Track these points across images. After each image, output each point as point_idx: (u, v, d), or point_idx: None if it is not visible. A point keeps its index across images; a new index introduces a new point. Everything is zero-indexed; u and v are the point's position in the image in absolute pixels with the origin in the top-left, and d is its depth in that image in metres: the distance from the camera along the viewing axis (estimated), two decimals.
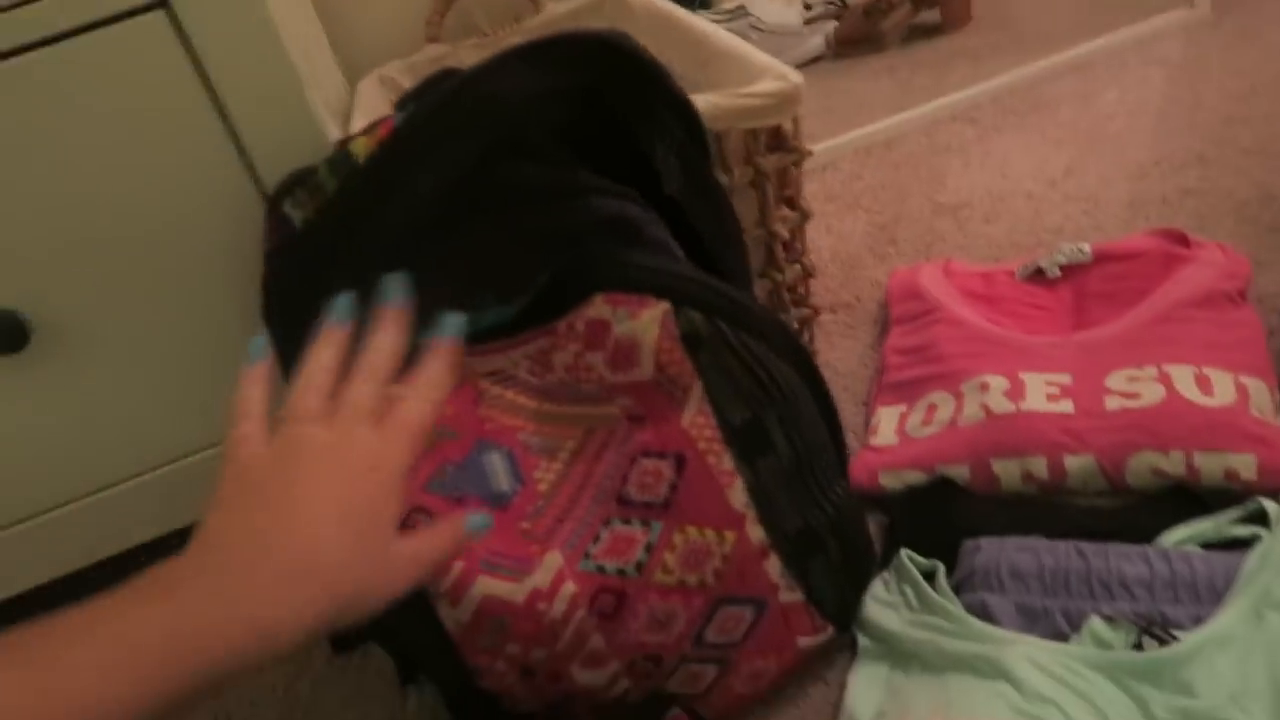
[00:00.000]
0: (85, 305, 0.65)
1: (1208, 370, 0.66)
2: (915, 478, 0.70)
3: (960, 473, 0.68)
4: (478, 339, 0.53)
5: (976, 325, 0.78)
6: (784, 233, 0.79)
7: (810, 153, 0.77)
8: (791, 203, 0.80)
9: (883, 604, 0.61)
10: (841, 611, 0.61)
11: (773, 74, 0.73)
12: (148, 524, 0.75)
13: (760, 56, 0.76)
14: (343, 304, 0.43)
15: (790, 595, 0.57)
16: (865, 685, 0.58)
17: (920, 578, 0.61)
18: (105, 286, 0.64)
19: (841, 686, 0.60)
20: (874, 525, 0.70)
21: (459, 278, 0.51)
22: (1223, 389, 0.65)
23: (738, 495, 0.54)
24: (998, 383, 0.71)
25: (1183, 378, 0.66)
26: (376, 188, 0.52)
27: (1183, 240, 0.80)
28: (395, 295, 0.43)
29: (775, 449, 0.55)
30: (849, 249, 1.03)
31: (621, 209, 0.55)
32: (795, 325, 0.84)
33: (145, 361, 0.68)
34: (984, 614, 0.57)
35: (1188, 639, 0.50)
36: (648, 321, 0.53)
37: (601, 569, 0.53)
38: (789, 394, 0.55)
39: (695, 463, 0.54)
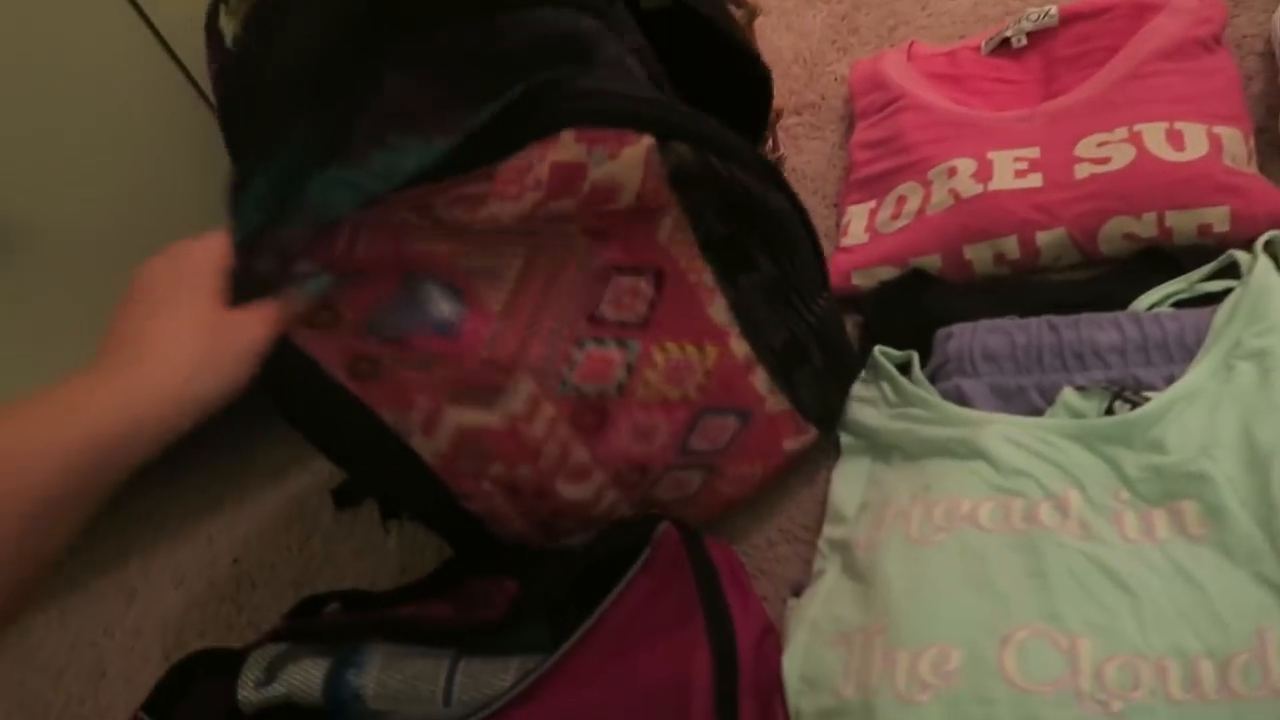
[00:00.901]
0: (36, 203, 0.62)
1: (1180, 124, 0.64)
2: (888, 273, 0.69)
3: (932, 263, 0.67)
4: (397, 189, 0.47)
5: (942, 108, 0.75)
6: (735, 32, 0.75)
7: None
8: (738, 1, 0.75)
9: (862, 401, 0.62)
10: (826, 413, 0.62)
11: None
12: None
13: None
14: None
15: (777, 404, 0.57)
16: (849, 480, 0.59)
17: (895, 371, 0.61)
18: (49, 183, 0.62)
19: (828, 484, 0.61)
20: (851, 325, 0.70)
21: (374, 111, 0.45)
22: (1195, 142, 0.62)
23: (719, 311, 0.53)
24: (965, 165, 0.69)
25: (1154, 136, 0.64)
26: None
27: None
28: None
29: (757, 266, 0.54)
30: (810, 45, 0.98)
31: (574, 22, 0.47)
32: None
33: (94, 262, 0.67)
34: (959, 398, 0.57)
35: (1157, 398, 0.51)
36: (629, 161, 0.47)
37: (580, 392, 0.53)
38: (776, 218, 0.53)
39: (674, 278, 0.51)
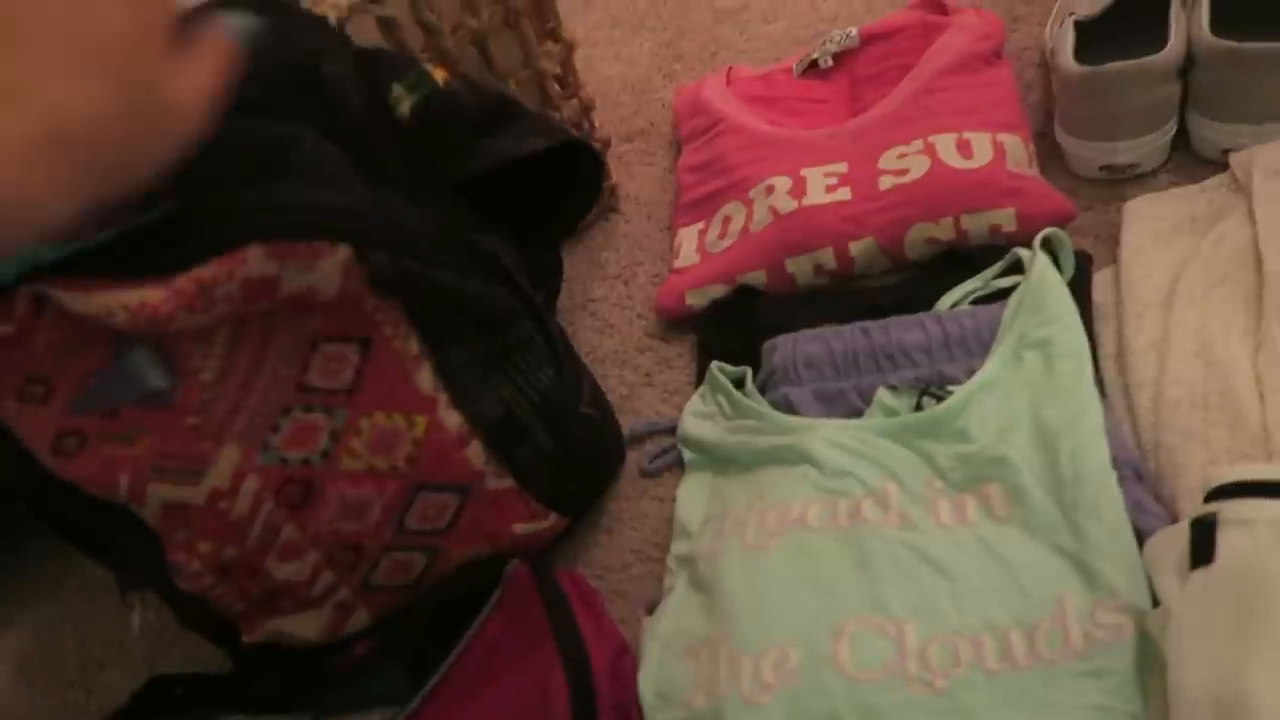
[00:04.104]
0: None
1: (968, 134, 0.69)
2: (718, 291, 0.71)
3: (758, 278, 0.70)
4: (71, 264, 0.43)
5: (759, 130, 0.79)
6: (552, 67, 0.77)
7: None
8: (554, 35, 0.77)
9: (700, 416, 0.64)
10: (563, 500, 0.61)
11: None
12: None
13: None
14: None
15: (498, 482, 0.57)
16: (692, 494, 0.61)
17: (730, 385, 0.63)
18: None
19: (674, 501, 0.63)
20: (686, 344, 0.72)
21: None
22: (981, 150, 0.67)
23: (425, 379, 0.52)
24: (781, 183, 0.72)
25: (945, 146, 0.68)
26: None
27: (940, 8, 0.81)
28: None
29: (468, 339, 0.54)
30: (638, 73, 1.01)
31: (259, 129, 0.46)
32: None
33: None
34: (788, 407, 0.60)
35: (959, 391, 0.55)
36: (327, 271, 0.46)
37: (285, 460, 0.51)
38: (489, 309, 0.55)
39: (380, 345, 0.51)
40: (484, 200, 0.61)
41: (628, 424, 0.68)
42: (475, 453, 0.55)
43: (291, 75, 0.50)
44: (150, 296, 0.43)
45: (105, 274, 0.43)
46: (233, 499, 0.50)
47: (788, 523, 0.53)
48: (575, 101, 0.79)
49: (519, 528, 0.59)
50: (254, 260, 0.44)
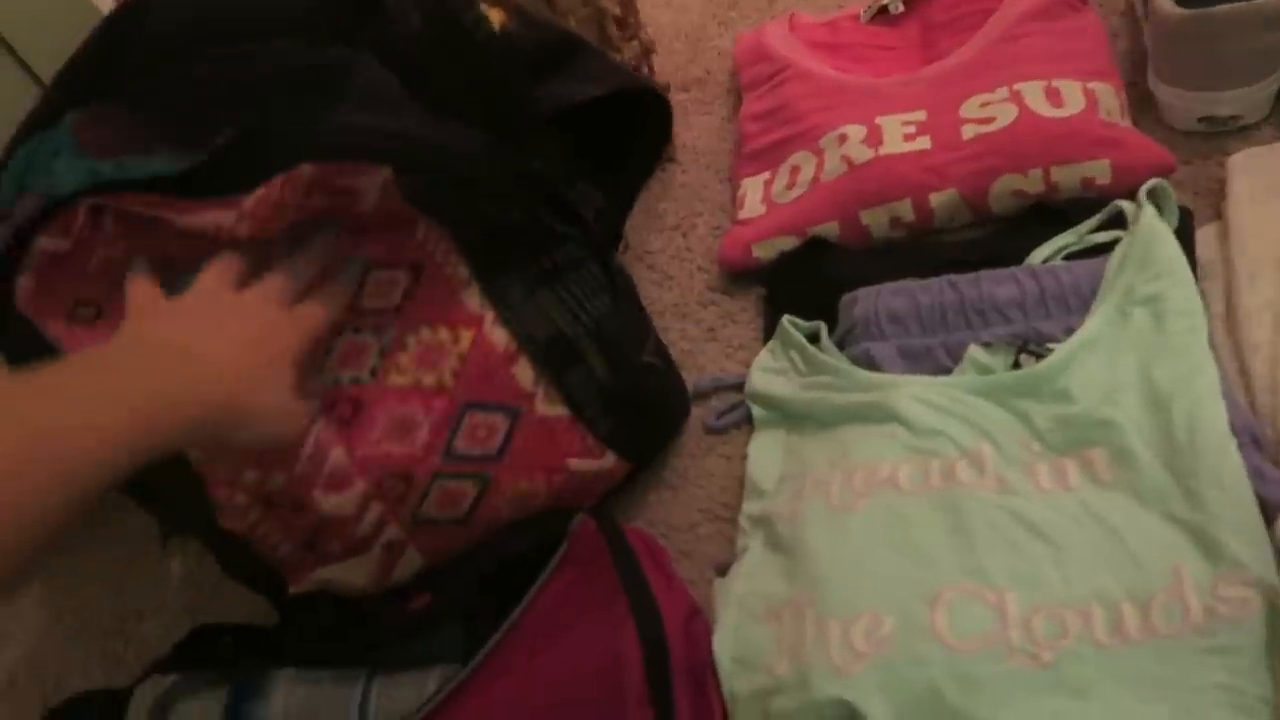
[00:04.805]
0: None
1: (1057, 82, 0.65)
2: (787, 243, 0.68)
3: (830, 230, 0.67)
4: (134, 185, 0.47)
5: (827, 77, 0.75)
6: (613, 7, 0.73)
7: None
8: None
9: (771, 372, 0.61)
10: (622, 442, 0.58)
11: None
12: None
13: None
14: None
15: (550, 408, 0.55)
16: (765, 452, 0.58)
17: (804, 340, 0.60)
18: None
19: (744, 459, 0.60)
20: (752, 299, 0.69)
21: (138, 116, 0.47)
22: (1072, 98, 0.64)
23: (473, 297, 0.53)
24: (855, 131, 0.69)
25: (1033, 94, 0.65)
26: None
27: None
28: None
29: (513, 260, 0.54)
30: (690, 20, 0.97)
31: (319, 54, 0.49)
32: None
33: None
34: (869, 363, 0.57)
35: (1059, 350, 0.51)
36: (367, 187, 0.49)
37: (337, 380, 0.52)
38: (535, 231, 0.54)
39: (431, 271, 0.52)
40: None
41: (691, 380, 0.65)
42: (524, 371, 0.54)
43: None
44: (222, 219, 0.43)
45: (173, 197, 0.46)
46: None
47: (876, 483, 0.50)
48: (636, 44, 0.76)
49: (574, 463, 0.56)
50: (306, 178, 0.47)
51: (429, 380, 0.52)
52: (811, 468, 0.53)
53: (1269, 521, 0.44)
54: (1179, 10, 0.61)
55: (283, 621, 0.60)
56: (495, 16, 0.57)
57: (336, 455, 0.51)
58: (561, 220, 0.56)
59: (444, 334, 0.53)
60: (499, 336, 0.53)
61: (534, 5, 0.69)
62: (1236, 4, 0.59)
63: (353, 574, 0.56)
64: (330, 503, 0.52)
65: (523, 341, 0.54)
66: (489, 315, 0.53)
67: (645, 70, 0.78)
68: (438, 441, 0.53)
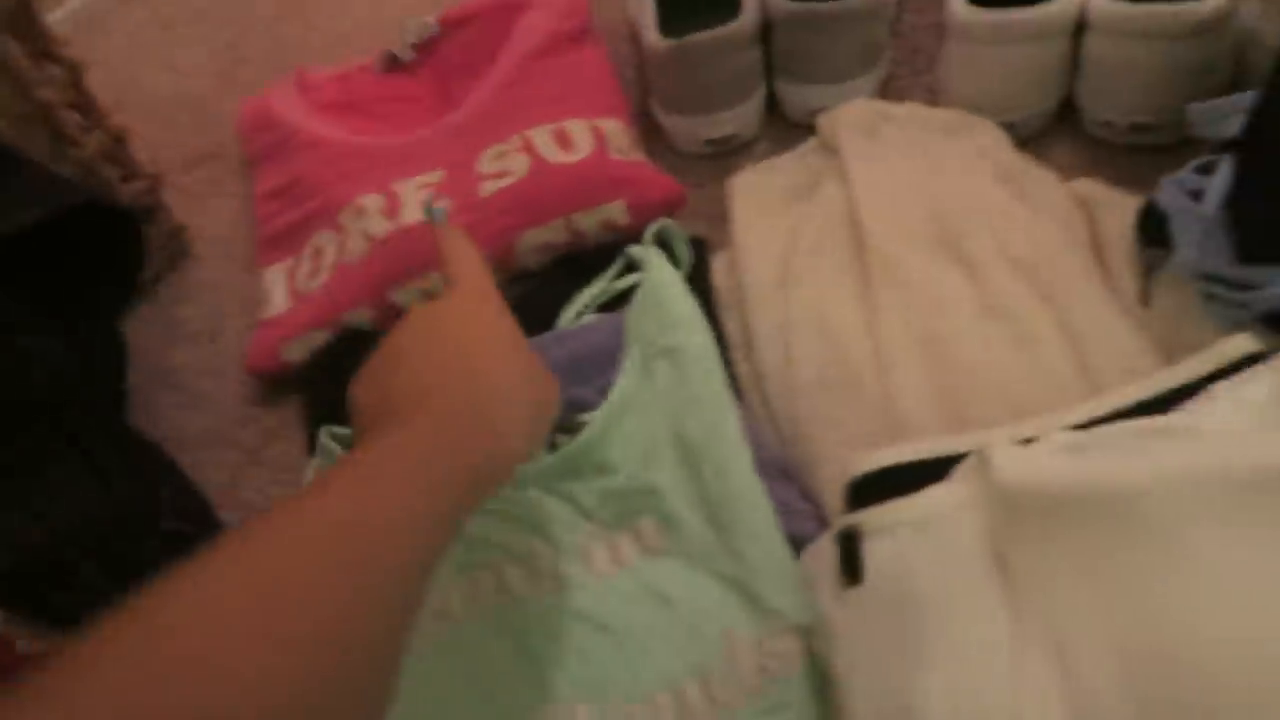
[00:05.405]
0: None
1: (566, 123, 0.63)
2: (319, 338, 0.61)
3: (362, 317, 0.60)
4: None
5: (339, 141, 0.68)
6: (60, 96, 0.61)
7: None
8: (51, 55, 0.61)
9: None
10: None
11: None
12: None
13: None
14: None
15: (36, 644, 0.44)
16: None
17: (343, 453, 0.53)
18: None
19: None
20: (294, 408, 0.61)
21: None
22: (581, 140, 0.62)
23: None
24: (373, 202, 0.63)
25: (543, 140, 0.62)
26: None
27: None
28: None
29: None
30: (195, 86, 0.86)
31: None
32: (142, 203, 0.68)
33: None
34: None
35: (594, 421, 0.49)
36: None
37: None
38: None
39: None
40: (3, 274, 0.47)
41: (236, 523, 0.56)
42: None
43: None
44: None
45: None
46: None
47: (430, 616, 0.45)
48: (99, 134, 0.64)
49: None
50: None
51: None
52: None
53: (799, 555, 0.44)
54: (664, 41, 0.62)
55: None
56: None
57: None
58: (7, 395, 0.45)
59: None
60: None
61: None
62: (710, 32, 0.60)
63: None
64: None
65: None
66: None
67: (124, 159, 0.67)
68: None
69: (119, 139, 0.66)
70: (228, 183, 0.76)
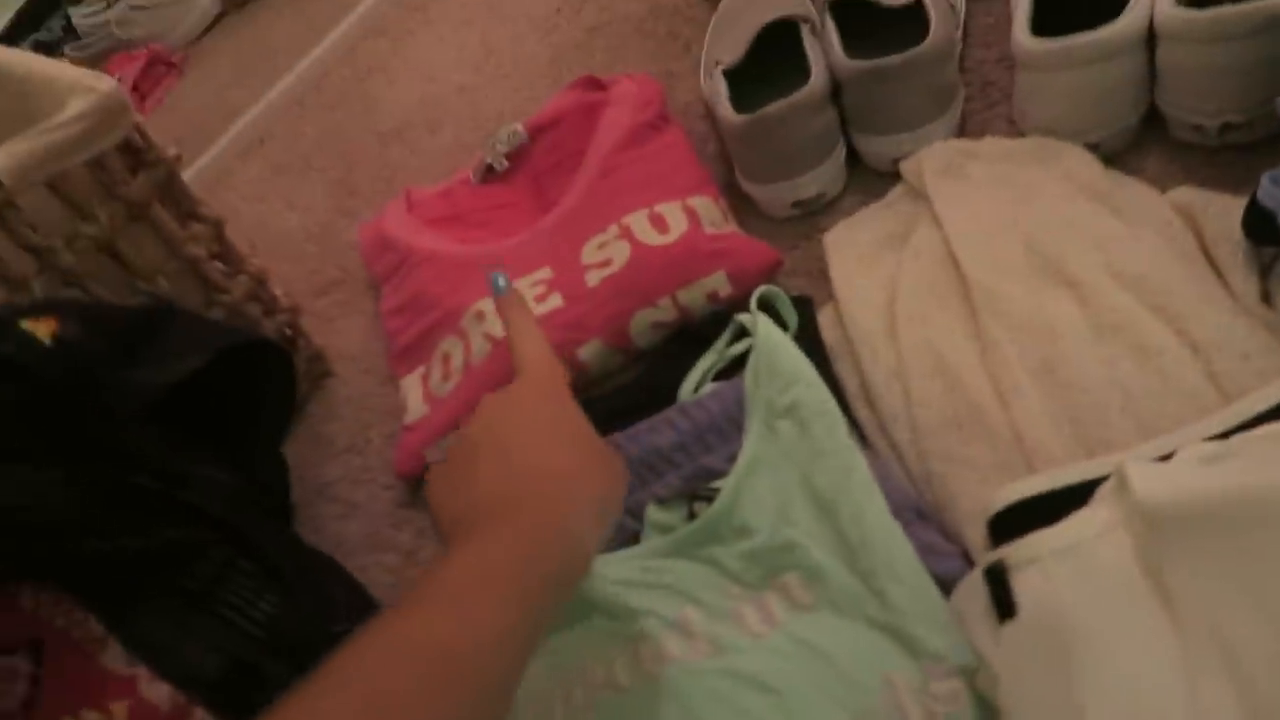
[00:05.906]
0: None
1: (659, 207, 0.67)
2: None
3: None
4: None
5: (451, 254, 0.74)
6: (203, 250, 0.68)
7: (178, 156, 0.66)
8: (196, 215, 0.69)
9: None
10: None
11: (80, 88, 0.60)
12: None
13: (61, 69, 0.62)
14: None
15: None
16: None
17: None
18: None
19: None
20: None
21: None
22: (675, 220, 0.65)
23: (115, 657, 0.46)
24: (489, 306, 0.67)
25: (640, 225, 0.66)
26: None
27: (596, 84, 0.80)
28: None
29: (150, 594, 0.47)
30: (317, 219, 0.93)
31: None
32: (284, 333, 0.75)
33: None
34: None
35: (726, 486, 0.51)
36: None
37: None
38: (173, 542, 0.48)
39: (54, 641, 0.45)
40: (174, 417, 0.52)
41: None
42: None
43: None
44: None
45: None
46: None
47: (594, 689, 0.47)
48: (243, 278, 0.71)
49: None
50: None
51: None
52: (528, 698, 0.50)
53: (948, 595, 0.45)
54: (738, 116, 0.65)
55: None
56: (44, 329, 0.51)
57: None
58: (187, 526, 0.50)
59: (93, 717, 0.45)
60: (160, 694, 0.46)
61: (112, 280, 0.64)
62: (782, 101, 0.63)
63: None
64: None
65: (190, 689, 0.47)
66: (141, 673, 0.46)
67: (267, 297, 0.74)
68: None
69: (260, 280, 0.72)
70: (356, 303, 0.83)
